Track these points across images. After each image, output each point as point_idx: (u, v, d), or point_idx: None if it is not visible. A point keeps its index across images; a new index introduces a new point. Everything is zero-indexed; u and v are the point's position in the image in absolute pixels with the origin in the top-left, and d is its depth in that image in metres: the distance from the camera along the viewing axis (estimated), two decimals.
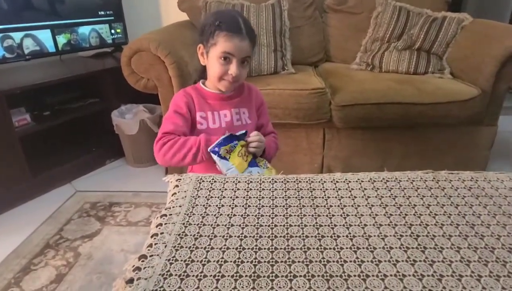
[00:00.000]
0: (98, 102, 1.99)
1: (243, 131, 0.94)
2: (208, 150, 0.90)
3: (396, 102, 1.52)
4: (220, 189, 0.78)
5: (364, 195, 0.75)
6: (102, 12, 2.05)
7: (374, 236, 0.63)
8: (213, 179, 0.82)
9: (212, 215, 0.69)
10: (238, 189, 0.78)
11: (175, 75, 1.54)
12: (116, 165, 2.01)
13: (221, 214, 0.69)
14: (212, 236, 0.63)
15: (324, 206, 0.72)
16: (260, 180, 0.82)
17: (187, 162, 0.93)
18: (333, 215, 0.69)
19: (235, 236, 0.63)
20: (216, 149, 0.90)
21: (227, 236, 0.63)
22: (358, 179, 0.81)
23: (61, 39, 1.88)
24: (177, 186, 0.80)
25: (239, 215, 0.69)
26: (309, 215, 0.69)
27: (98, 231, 1.42)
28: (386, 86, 1.60)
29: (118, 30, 2.17)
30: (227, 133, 0.92)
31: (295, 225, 0.66)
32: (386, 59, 1.84)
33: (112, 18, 2.11)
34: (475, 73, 1.57)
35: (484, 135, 1.64)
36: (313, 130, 1.66)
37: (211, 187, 0.79)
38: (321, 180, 0.82)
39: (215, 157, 0.91)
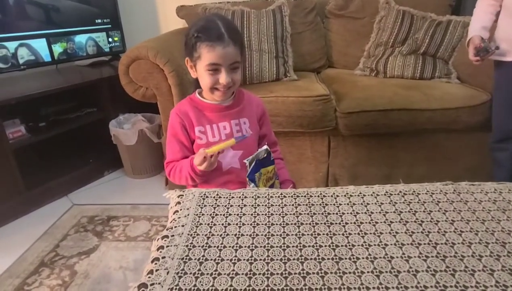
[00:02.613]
0: (95, 112, 1.94)
1: (264, 147, 0.89)
2: (247, 177, 0.88)
3: (403, 109, 1.47)
4: (225, 206, 0.73)
5: (381, 210, 0.70)
6: (99, 20, 2.01)
7: (397, 257, 0.57)
8: (217, 194, 0.76)
9: (218, 235, 0.64)
10: (244, 205, 0.73)
11: (174, 84, 1.49)
12: (114, 177, 1.95)
13: (227, 234, 0.64)
14: (218, 259, 0.58)
15: (339, 224, 0.66)
16: (268, 194, 0.76)
17: (192, 184, 0.95)
18: (349, 234, 0.63)
19: (244, 260, 0.57)
20: (254, 177, 0.88)
21: (235, 260, 0.57)
22: (373, 192, 0.76)
23: (57, 48, 1.83)
24: (179, 202, 0.74)
25: (247, 235, 0.64)
26: (323, 234, 0.63)
27: (95, 247, 1.35)
28: (392, 92, 1.55)
29: (116, 39, 2.12)
30: (258, 154, 0.89)
31: (309, 246, 0.60)
32: (390, 64, 1.79)
33: (110, 26, 2.07)
34: (484, 77, 1.52)
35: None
36: (318, 138, 1.61)
37: (215, 203, 0.73)
38: (334, 194, 0.76)
39: (252, 185, 0.88)
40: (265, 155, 0.89)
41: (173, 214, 0.71)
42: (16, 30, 1.65)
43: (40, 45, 1.75)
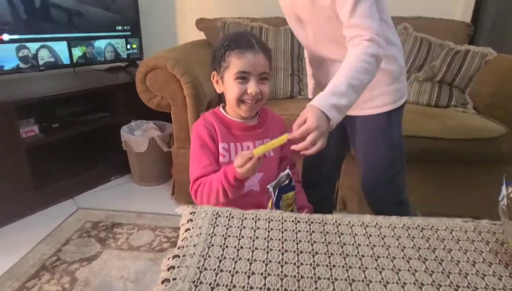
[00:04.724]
0: (108, 117, 1.95)
1: (286, 172, 0.86)
2: (273, 205, 0.84)
3: (419, 136, 1.45)
4: (238, 227, 0.71)
5: (399, 244, 0.68)
6: (120, 27, 2.04)
7: None
8: (230, 214, 0.75)
9: (230, 258, 0.62)
10: (258, 228, 0.71)
11: (190, 95, 1.50)
12: (121, 182, 1.94)
13: (240, 258, 0.62)
14: (230, 285, 0.56)
15: (356, 256, 0.64)
16: (282, 218, 0.75)
17: (223, 200, 0.86)
18: (366, 268, 0.61)
19: (256, 288, 0.55)
20: (279, 205, 0.86)
21: (247, 288, 0.55)
22: (390, 224, 0.74)
23: (77, 52, 1.86)
24: (191, 220, 0.72)
25: (260, 261, 0.62)
26: (339, 266, 0.61)
27: (97, 254, 1.34)
28: (407, 118, 1.52)
29: (134, 46, 2.15)
30: (280, 179, 0.86)
31: (324, 278, 0.58)
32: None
33: (129, 33, 2.10)
34: (502, 110, 1.51)
35: (511, 175, 1.55)
36: None
37: (228, 224, 0.72)
38: (349, 222, 0.74)
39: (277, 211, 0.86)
40: (287, 181, 0.86)
41: (185, 231, 0.69)
42: (39, 32, 1.68)
43: (60, 48, 1.78)
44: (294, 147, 0.78)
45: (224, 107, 0.96)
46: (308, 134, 0.75)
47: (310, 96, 1.25)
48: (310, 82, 1.23)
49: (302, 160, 1.21)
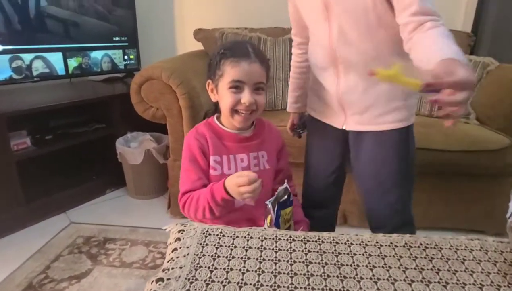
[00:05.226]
0: (103, 128, 1.91)
1: (284, 186, 0.82)
2: (274, 227, 0.80)
3: (422, 148, 1.40)
4: (229, 246, 0.66)
5: (401, 265, 0.63)
6: (117, 38, 2.03)
7: None
8: (221, 232, 0.70)
9: (218, 282, 0.57)
10: (250, 247, 0.66)
11: (186, 106, 1.47)
12: (116, 195, 1.90)
13: (229, 282, 0.57)
14: None
15: (353, 278, 0.59)
16: (276, 236, 0.70)
17: (210, 217, 0.83)
18: None
19: None
20: (279, 223, 0.82)
21: None
22: (391, 243, 0.69)
23: (72, 63, 1.84)
24: (178, 239, 0.68)
25: (250, 284, 0.57)
26: (335, 289, 0.57)
27: (88, 271, 1.28)
28: None
29: (132, 56, 2.13)
30: (278, 194, 0.82)
31: None
32: None
33: (127, 44, 2.08)
34: (506, 121, 1.47)
35: None
36: None
37: (218, 243, 0.67)
38: (348, 241, 0.69)
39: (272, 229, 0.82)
40: (285, 196, 0.81)
41: (172, 251, 0.65)
42: (33, 43, 1.66)
43: (55, 58, 1.76)
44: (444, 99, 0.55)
45: (218, 118, 0.92)
46: (460, 89, 0.55)
47: (289, 109, 1.16)
48: (293, 94, 1.13)
49: (303, 180, 1.13)
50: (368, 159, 0.96)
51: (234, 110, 0.84)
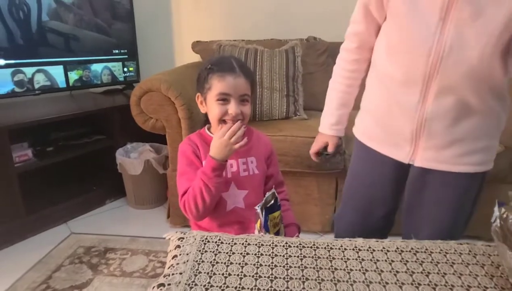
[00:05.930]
0: (104, 140, 1.95)
1: (271, 191, 0.86)
2: (264, 230, 0.83)
3: None
4: (227, 253, 0.69)
5: (392, 268, 0.66)
6: (116, 51, 2.07)
7: None
8: (219, 239, 0.73)
9: (217, 286, 0.60)
10: (247, 253, 0.69)
11: (184, 117, 1.50)
12: (116, 205, 1.92)
13: (227, 286, 0.60)
14: None
15: (347, 282, 0.62)
16: (273, 243, 0.73)
17: (210, 201, 0.86)
18: None
19: None
20: (268, 227, 0.84)
21: None
22: (383, 248, 0.72)
23: (73, 75, 1.88)
24: (178, 246, 0.71)
25: (248, 288, 0.60)
26: None
27: (88, 281, 1.30)
28: None
29: (131, 69, 2.17)
30: (266, 199, 0.85)
31: None
32: None
33: (126, 56, 2.12)
34: None
35: (507, 194, 1.53)
36: (325, 180, 1.58)
37: (217, 250, 0.70)
38: (341, 246, 0.72)
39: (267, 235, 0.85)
40: (272, 201, 0.86)
41: (172, 258, 0.68)
42: (35, 57, 1.70)
43: (56, 71, 1.80)
44: None
45: (209, 128, 0.99)
46: None
47: (327, 132, 0.97)
48: (336, 113, 0.94)
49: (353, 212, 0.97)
50: (430, 202, 0.81)
51: (222, 120, 0.90)
